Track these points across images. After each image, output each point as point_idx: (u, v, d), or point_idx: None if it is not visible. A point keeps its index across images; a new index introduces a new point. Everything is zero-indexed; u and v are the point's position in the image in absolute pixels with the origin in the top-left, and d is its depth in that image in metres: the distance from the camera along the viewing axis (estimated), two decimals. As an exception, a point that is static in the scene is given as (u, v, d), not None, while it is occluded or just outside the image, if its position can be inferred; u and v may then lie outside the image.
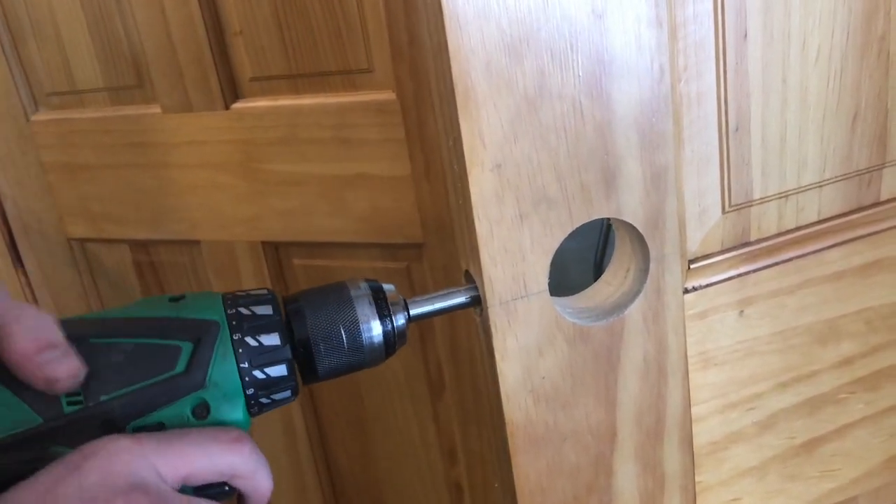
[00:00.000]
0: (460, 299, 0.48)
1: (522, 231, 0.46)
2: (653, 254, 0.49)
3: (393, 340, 0.45)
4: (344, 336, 0.44)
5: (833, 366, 0.58)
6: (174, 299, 0.43)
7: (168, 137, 1.13)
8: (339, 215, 1.05)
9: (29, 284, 1.29)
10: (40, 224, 1.27)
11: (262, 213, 1.11)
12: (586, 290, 0.53)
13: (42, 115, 1.21)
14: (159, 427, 0.41)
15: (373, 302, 0.45)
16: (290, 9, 0.98)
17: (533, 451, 0.51)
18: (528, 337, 0.48)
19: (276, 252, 1.15)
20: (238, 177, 1.10)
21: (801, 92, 0.51)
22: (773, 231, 0.54)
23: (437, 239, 0.98)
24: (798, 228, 0.54)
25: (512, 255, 0.46)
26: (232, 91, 1.07)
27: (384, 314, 0.45)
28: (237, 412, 0.42)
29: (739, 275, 0.53)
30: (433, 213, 0.97)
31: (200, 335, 0.41)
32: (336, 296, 0.45)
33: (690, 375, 0.53)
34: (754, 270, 0.53)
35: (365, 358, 0.45)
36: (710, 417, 0.55)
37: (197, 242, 1.19)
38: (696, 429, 0.54)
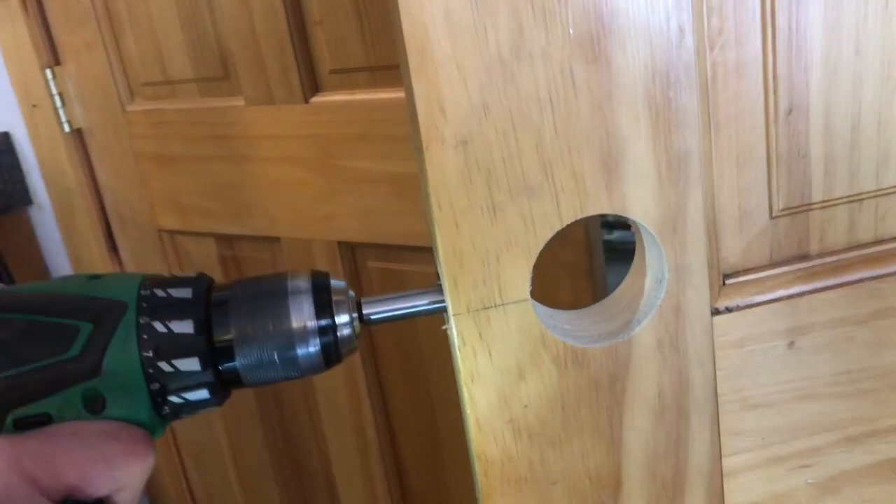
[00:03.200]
0: (421, 302, 0.40)
1: (496, 225, 0.38)
2: (669, 263, 0.39)
3: (333, 345, 0.38)
4: (271, 335, 0.37)
5: (924, 420, 0.45)
6: (94, 277, 0.38)
7: (250, 130, 1.11)
8: (415, 217, 1.00)
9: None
10: (133, 214, 1.29)
11: (338, 211, 1.08)
12: (592, 306, 0.44)
13: (136, 106, 1.22)
14: (46, 419, 0.35)
15: (312, 298, 0.38)
16: (369, -4, 0.94)
17: (514, 493, 0.42)
18: (505, 355, 0.39)
19: (351, 253, 1.12)
20: (315, 172, 1.07)
21: (883, 65, 0.40)
22: (842, 244, 0.43)
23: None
24: (877, 242, 0.43)
25: (482, 253, 0.38)
26: (312, 84, 1.04)
27: (324, 314, 0.38)
28: (140, 410, 0.36)
29: (791, 296, 0.42)
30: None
31: (102, 315, 0.36)
32: (270, 287, 0.38)
33: (721, 418, 0.42)
34: (811, 291, 0.42)
35: (297, 363, 0.38)
36: (748, 472, 0.44)
37: (277, 239, 1.17)
38: (729, 485, 0.44)
